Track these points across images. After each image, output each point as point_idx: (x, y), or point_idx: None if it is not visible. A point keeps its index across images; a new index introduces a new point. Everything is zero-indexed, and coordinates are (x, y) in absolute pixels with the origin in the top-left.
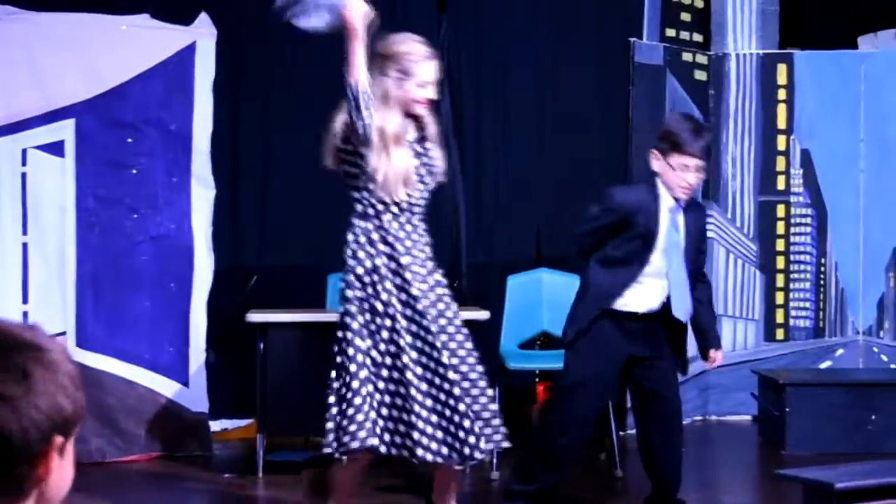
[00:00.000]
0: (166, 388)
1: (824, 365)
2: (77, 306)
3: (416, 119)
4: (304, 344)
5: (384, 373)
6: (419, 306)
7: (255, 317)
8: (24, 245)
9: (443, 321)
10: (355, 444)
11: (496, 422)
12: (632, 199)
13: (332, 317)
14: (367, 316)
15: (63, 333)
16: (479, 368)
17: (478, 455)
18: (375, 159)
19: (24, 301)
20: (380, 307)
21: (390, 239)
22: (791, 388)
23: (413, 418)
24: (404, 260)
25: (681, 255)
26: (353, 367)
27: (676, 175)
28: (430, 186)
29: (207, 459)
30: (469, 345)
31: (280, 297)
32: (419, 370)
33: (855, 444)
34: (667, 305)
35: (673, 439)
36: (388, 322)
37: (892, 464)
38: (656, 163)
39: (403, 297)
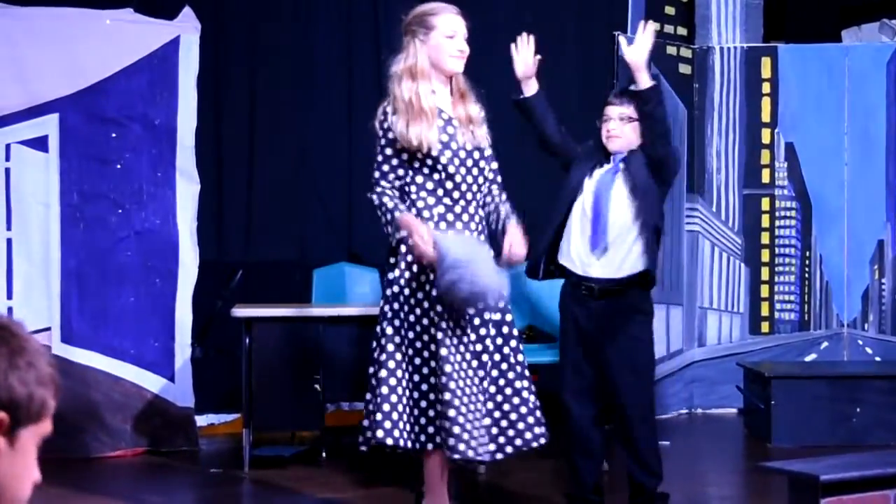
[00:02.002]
0: (152, 383)
1: (809, 358)
2: (62, 302)
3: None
4: (289, 339)
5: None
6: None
7: (240, 311)
8: (8, 241)
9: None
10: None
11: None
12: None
13: (317, 311)
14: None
15: (48, 329)
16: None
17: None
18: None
19: (9, 297)
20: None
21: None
22: (776, 380)
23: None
24: None
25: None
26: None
27: (603, 129)
28: (463, 163)
29: (194, 454)
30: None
31: (265, 291)
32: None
33: (840, 436)
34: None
35: (631, 434)
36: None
37: (877, 456)
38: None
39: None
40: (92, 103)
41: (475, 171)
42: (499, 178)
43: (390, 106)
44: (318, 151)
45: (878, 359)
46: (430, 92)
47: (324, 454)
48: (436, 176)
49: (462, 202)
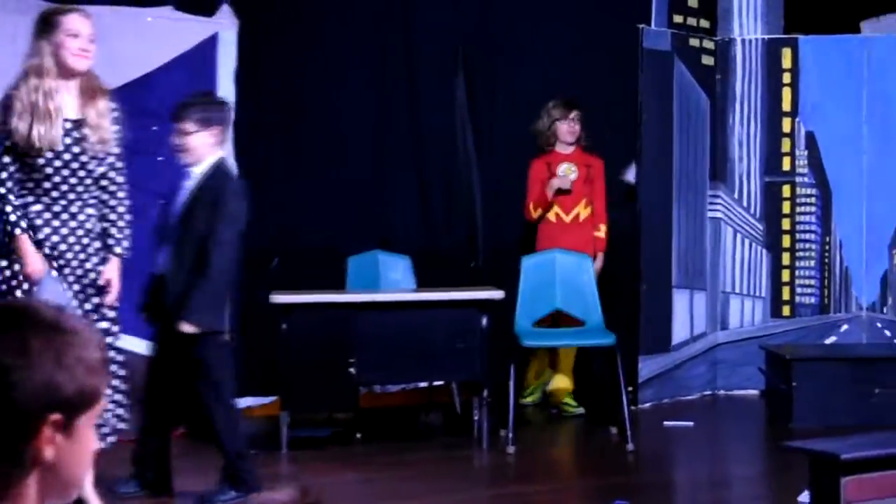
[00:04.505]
0: None
1: (829, 340)
2: None
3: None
4: (325, 324)
5: None
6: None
7: (278, 298)
8: None
9: None
10: None
11: None
12: None
13: (351, 297)
14: None
15: None
16: None
17: None
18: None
19: None
20: None
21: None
22: (797, 363)
23: None
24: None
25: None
26: None
27: None
28: (89, 165)
29: None
30: None
31: (300, 278)
32: None
33: (859, 416)
34: None
35: None
36: None
37: None
38: None
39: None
40: (134, 98)
41: (81, 174)
42: (118, 186)
43: (12, 105)
44: (352, 142)
45: None
46: (54, 91)
47: (359, 435)
48: (35, 175)
49: (63, 202)
